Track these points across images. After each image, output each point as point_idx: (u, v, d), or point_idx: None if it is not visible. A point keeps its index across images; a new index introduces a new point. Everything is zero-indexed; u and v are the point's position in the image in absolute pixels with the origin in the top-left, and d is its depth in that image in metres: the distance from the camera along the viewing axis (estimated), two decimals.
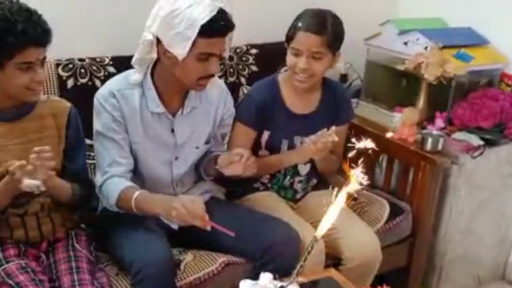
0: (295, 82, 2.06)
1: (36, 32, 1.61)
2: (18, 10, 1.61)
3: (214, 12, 1.71)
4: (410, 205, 2.42)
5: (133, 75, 1.86)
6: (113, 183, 1.84)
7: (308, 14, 2.03)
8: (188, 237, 1.92)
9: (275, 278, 1.53)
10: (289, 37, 2.04)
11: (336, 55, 2.07)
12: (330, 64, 2.07)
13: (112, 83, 1.91)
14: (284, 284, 1.51)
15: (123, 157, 1.88)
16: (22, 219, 1.79)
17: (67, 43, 2.19)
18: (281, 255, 1.85)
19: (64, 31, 2.15)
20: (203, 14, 1.70)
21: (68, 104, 1.87)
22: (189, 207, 1.66)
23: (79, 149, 1.90)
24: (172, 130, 1.94)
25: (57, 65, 2.15)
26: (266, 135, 2.15)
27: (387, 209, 2.35)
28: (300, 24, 2.00)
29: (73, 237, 1.87)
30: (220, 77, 2.47)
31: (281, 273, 1.57)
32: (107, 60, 2.24)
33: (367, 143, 1.77)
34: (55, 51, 2.09)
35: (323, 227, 1.47)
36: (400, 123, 2.49)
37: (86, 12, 2.27)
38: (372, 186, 2.58)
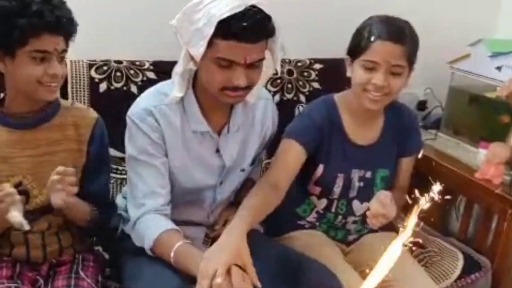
0: (366, 102, 1.70)
1: (54, 16, 1.40)
2: None
3: (240, 9, 1.40)
4: (490, 260, 2.07)
5: (172, 91, 1.58)
6: (150, 222, 1.57)
7: (379, 20, 1.68)
8: None
9: None
10: (359, 49, 1.68)
11: (411, 71, 1.72)
12: (406, 82, 1.72)
13: (146, 99, 1.63)
14: None
15: (161, 186, 1.61)
16: (25, 236, 1.58)
17: (105, 43, 2.02)
18: None
19: (103, 30, 2.00)
20: (223, 9, 1.41)
21: (94, 115, 1.64)
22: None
23: (102, 168, 1.67)
24: (217, 151, 1.68)
25: (90, 65, 1.95)
26: (320, 169, 1.80)
27: (460, 263, 2.01)
28: (375, 31, 1.65)
29: (80, 262, 1.64)
30: (276, 92, 2.22)
31: None
32: (147, 65, 2.03)
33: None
34: (91, 50, 1.93)
35: (371, 283, 1.15)
36: (484, 160, 2.14)
37: (129, 12, 2.07)
38: (445, 232, 2.25)
